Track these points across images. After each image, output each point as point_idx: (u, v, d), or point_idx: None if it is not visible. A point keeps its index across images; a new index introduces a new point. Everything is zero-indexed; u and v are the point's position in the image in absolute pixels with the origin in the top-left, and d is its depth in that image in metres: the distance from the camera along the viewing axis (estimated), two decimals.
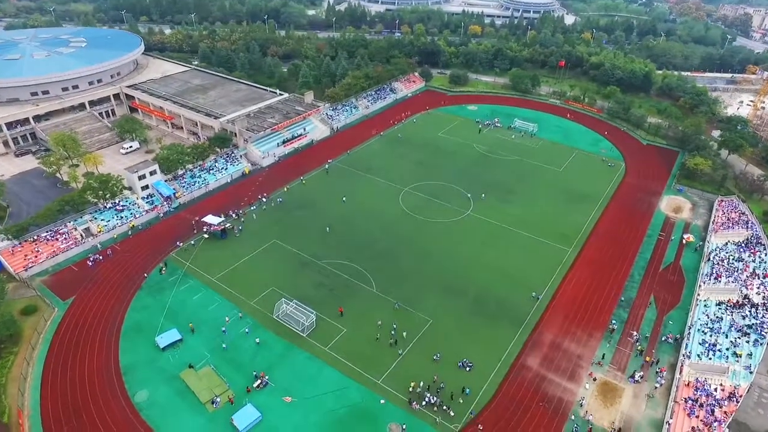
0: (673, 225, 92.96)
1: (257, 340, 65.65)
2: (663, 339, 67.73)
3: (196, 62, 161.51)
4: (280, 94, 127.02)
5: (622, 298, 74.91)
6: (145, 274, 76.97)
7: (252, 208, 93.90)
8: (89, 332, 66.62)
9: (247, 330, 67.21)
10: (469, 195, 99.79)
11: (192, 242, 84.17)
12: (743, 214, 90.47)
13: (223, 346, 64.74)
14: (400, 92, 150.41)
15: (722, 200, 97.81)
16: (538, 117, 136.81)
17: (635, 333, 68.26)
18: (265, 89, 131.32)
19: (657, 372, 62.72)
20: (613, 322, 70.18)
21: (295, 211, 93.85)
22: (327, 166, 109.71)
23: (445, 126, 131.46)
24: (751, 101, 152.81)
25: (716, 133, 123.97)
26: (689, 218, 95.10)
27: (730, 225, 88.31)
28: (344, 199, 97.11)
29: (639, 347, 66.16)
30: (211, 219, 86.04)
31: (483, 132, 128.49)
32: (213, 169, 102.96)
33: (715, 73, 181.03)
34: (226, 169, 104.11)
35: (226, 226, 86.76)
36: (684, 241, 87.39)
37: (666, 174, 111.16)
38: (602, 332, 68.80)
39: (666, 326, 70.24)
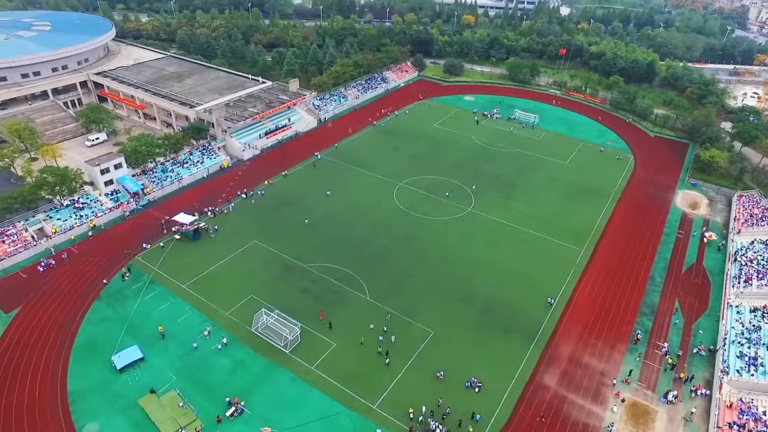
0: (691, 222, 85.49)
1: (228, 354, 56.54)
2: (694, 351, 59.92)
3: (173, 50, 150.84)
4: (263, 82, 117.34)
5: (645, 304, 67.09)
6: (105, 281, 67.26)
7: (230, 205, 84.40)
8: (33, 351, 56.85)
9: (220, 346, 57.98)
10: (469, 190, 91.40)
11: (161, 244, 74.52)
12: (767, 210, 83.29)
13: (194, 353, 55.54)
14: (392, 82, 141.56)
15: (741, 195, 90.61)
16: (538, 108, 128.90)
17: (663, 344, 60.37)
18: (246, 77, 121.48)
19: (692, 390, 54.89)
20: (638, 331, 62.27)
21: (278, 208, 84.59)
22: (314, 159, 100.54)
23: (440, 117, 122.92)
24: (756, 93, 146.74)
25: (726, 125, 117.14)
26: (707, 214, 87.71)
27: (754, 222, 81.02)
28: (328, 192, 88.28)
29: (669, 360, 58.25)
30: (182, 218, 76.43)
31: (481, 123, 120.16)
32: (187, 162, 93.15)
33: (717, 65, 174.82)
34: (202, 162, 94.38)
35: (200, 225, 77.29)
36: (705, 240, 79.92)
37: (678, 167, 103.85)
38: (626, 344, 60.79)
39: (696, 336, 62.46)
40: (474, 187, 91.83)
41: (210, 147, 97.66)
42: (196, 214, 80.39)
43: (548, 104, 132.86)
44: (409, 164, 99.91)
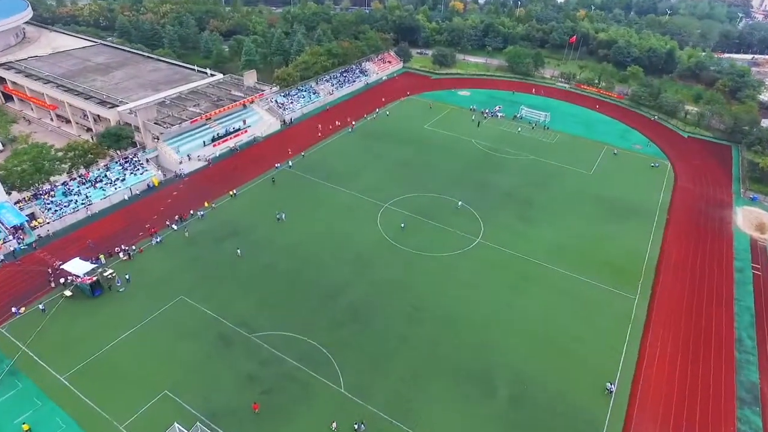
0: (765, 251, 65.88)
1: None
2: None
3: (111, 39, 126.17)
4: (212, 75, 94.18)
5: (741, 384, 46.88)
6: None
7: (154, 240, 61.66)
8: None
9: None
10: (475, 211, 70.30)
11: (41, 306, 51.45)
12: None
13: None
14: (373, 74, 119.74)
15: None
16: (547, 104, 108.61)
17: None
18: (192, 68, 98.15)
19: None
20: None
21: (220, 242, 62.17)
22: (274, 172, 78.28)
23: (432, 116, 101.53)
24: None
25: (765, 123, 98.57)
26: None
27: None
28: (281, 216, 66.74)
29: None
30: (75, 266, 53.43)
31: (483, 124, 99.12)
32: (102, 181, 69.95)
33: (733, 54, 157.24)
34: (123, 180, 71.27)
35: (108, 273, 54.58)
36: None
37: (726, 176, 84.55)
38: None
39: None
40: (478, 209, 70.68)
41: (135, 160, 74.48)
42: (101, 256, 57.61)
43: (557, 99, 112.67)
44: (396, 177, 78.33)
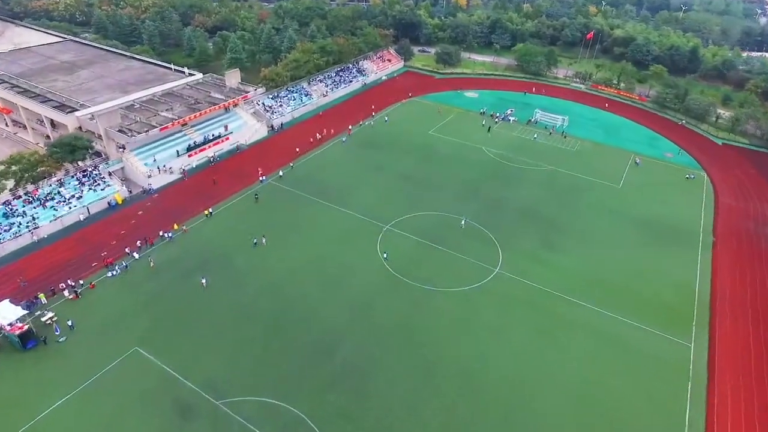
0: None
1: None
2: None
3: (85, 35, 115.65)
4: (190, 74, 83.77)
5: None
6: None
7: (111, 273, 51.38)
8: None
9: None
10: (491, 233, 60.26)
11: None
12: None
13: None
14: (372, 74, 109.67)
15: None
16: (563, 107, 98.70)
17: None
18: (169, 67, 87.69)
19: None
20: None
21: (188, 275, 51.87)
22: (258, 186, 68.06)
23: (437, 121, 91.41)
24: None
25: None
26: None
27: None
28: (260, 240, 56.33)
29: None
30: (3, 311, 43.07)
31: (493, 129, 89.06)
32: (54, 199, 59.56)
33: (755, 53, 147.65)
34: (80, 197, 60.88)
35: (45, 318, 44.36)
36: None
37: None
38: None
39: None
40: (494, 232, 60.66)
41: (96, 173, 64.09)
42: (41, 296, 47.30)
43: (573, 101, 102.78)
44: (398, 192, 68.17)
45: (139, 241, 55.51)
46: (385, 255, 55.02)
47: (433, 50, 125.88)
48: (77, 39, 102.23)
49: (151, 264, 53.17)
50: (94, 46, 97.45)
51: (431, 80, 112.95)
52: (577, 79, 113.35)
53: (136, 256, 53.93)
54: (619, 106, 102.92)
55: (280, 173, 70.60)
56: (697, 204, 69.62)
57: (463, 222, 61.10)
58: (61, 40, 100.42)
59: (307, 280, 51.85)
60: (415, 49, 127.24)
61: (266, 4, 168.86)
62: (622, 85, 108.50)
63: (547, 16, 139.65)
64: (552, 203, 67.47)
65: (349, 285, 51.43)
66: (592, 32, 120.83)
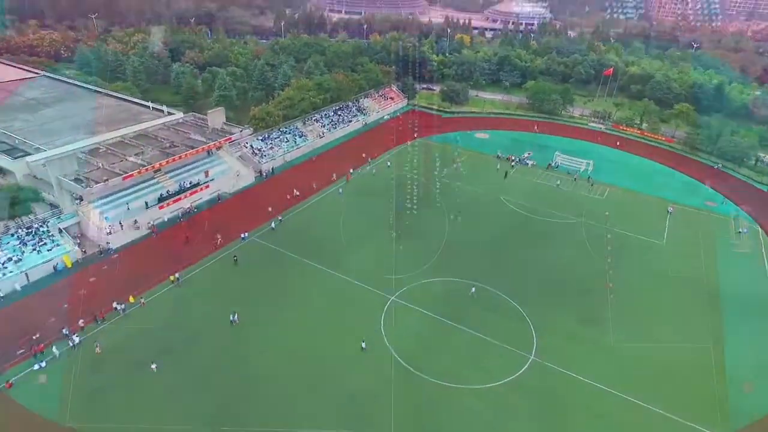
0: None
1: None
2: None
3: (69, 72, 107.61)
4: (169, 113, 74.48)
5: None
6: None
7: (37, 366, 39.89)
8: None
9: None
10: (520, 307, 49.12)
11: None
12: None
13: None
14: (373, 113, 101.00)
15: None
16: (582, 149, 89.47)
17: None
18: (146, 105, 78.56)
19: None
20: None
21: (140, 368, 40.30)
22: (239, 244, 57.30)
23: (445, 165, 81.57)
24: None
25: None
26: None
27: None
28: (235, 318, 45.01)
29: None
30: None
31: (510, 174, 79.27)
32: None
33: None
34: (19, 260, 50.01)
35: None
36: None
37: None
38: None
39: None
40: (523, 305, 49.56)
41: (43, 230, 53.44)
42: None
43: (592, 142, 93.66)
44: (405, 252, 57.27)
45: (81, 320, 44.23)
46: (363, 344, 43.21)
47: (438, 88, 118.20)
48: (50, 75, 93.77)
49: (97, 349, 41.82)
50: (68, 82, 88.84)
51: (437, 120, 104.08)
52: (595, 119, 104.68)
53: (76, 339, 42.56)
54: (645, 147, 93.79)
55: (272, 225, 60.16)
56: (759, 264, 58.84)
57: (473, 289, 50.22)
58: (34, 75, 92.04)
59: (290, 375, 40.32)
60: (419, 86, 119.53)
61: (264, 41, 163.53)
62: (644, 125, 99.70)
63: (558, 52, 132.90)
64: (587, 266, 56.49)
65: (344, 379, 39.88)
66: (612, 68, 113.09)
